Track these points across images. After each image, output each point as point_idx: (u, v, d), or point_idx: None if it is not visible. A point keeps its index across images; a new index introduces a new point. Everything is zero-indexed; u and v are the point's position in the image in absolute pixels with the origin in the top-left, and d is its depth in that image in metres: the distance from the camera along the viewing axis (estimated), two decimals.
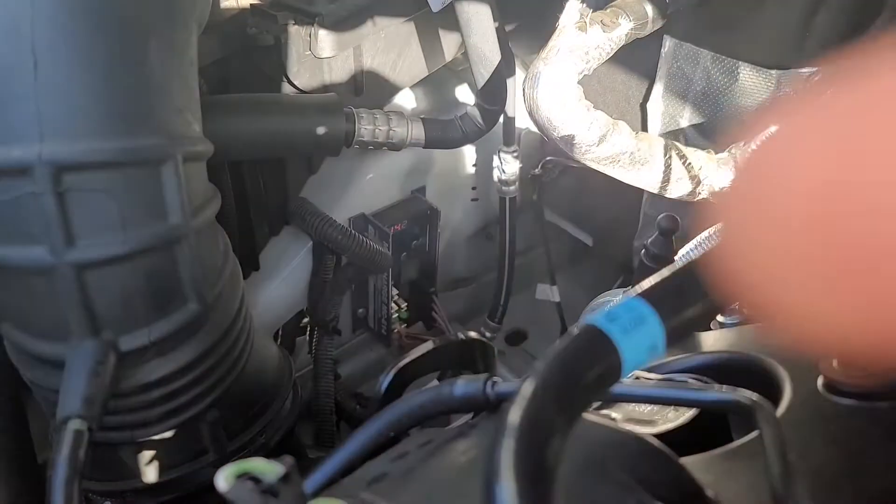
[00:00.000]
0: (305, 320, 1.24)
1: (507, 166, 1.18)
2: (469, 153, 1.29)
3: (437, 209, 1.21)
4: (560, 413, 0.35)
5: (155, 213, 0.62)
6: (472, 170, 1.31)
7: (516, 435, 0.33)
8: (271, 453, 0.81)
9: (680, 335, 0.40)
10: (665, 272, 0.41)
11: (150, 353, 0.66)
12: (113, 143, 0.59)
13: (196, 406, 0.71)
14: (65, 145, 0.57)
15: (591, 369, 0.37)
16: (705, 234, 0.94)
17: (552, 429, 0.34)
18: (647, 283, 0.40)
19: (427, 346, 0.66)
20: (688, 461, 0.48)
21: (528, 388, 0.35)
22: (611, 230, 1.30)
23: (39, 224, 0.58)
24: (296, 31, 0.92)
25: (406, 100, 1.18)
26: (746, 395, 0.44)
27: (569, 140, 0.85)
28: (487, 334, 1.32)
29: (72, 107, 0.58)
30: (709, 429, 0.58)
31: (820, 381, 0.53)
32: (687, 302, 0.40)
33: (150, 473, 0.74)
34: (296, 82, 0.95)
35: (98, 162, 0.58)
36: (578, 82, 0.86)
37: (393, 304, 1.25)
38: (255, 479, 0.37)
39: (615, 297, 0.96)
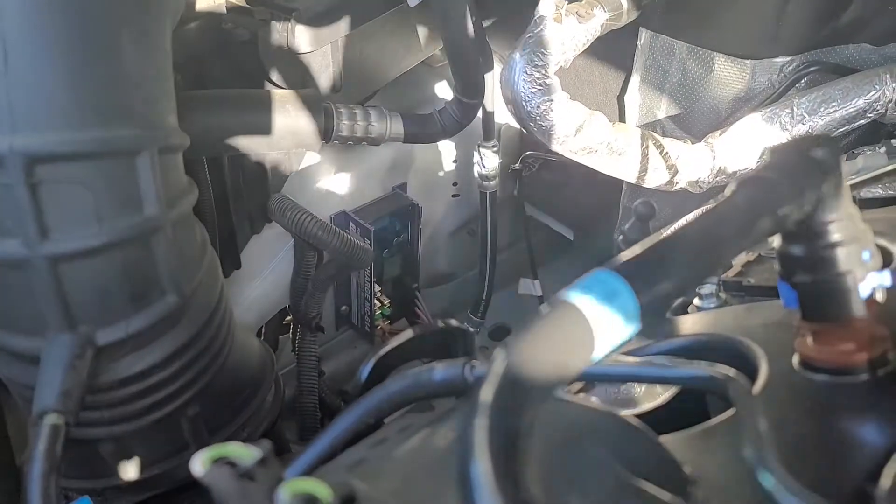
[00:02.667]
0: (288, 318, 1.23)
1: (487, 161, 1.18)
2: (449, 149, 1.30)
3: (419, 205, 1.21)
4: (533, 389, 0.35)
5: (130, 205, 0.62)
6: (452, 166, 1.31)
7: (488, 413, 0.33)
8: None
9: (654, 309, 0.40)
10: (636, 248, 0.42)
11: (128, 346, 0.65)
12: (85, 133, 0.58)
13: (176, 400, 0.71)
14: (36, 136, 0.57)
15: (562, 343, 0.37)
16: (683, 220, 0.95)
17: (525, 405, 0.34)
18: (620, 257, 0.41)
19: (407, 334, 0.66)
20: (666, 439, 0.48)
21: (499, 365, 0.35)
22: (591, 223, 1.31)
23: (12, 216, 0.58)
24: (273, 27, 0.91)
25: (385, 96, 1.18)
26: (721, 370, 0.45)
27: (546, 131, 0.85)
28: (471, 330, 1.32)
29: (43, 98, 0.57)
30: (687, 410, 0.58)
31: (795, 358, 0.53)
32: (661, 276, 0.40)
33: (131, 470, 0.73)
34: (273, 78, 0.95)
35: (70, 153, 0.58)
36: (555, 74, 0.86)
37: (376, 301, 1.25)
38: (232, 464, 0.37)
39: None
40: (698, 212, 0.45)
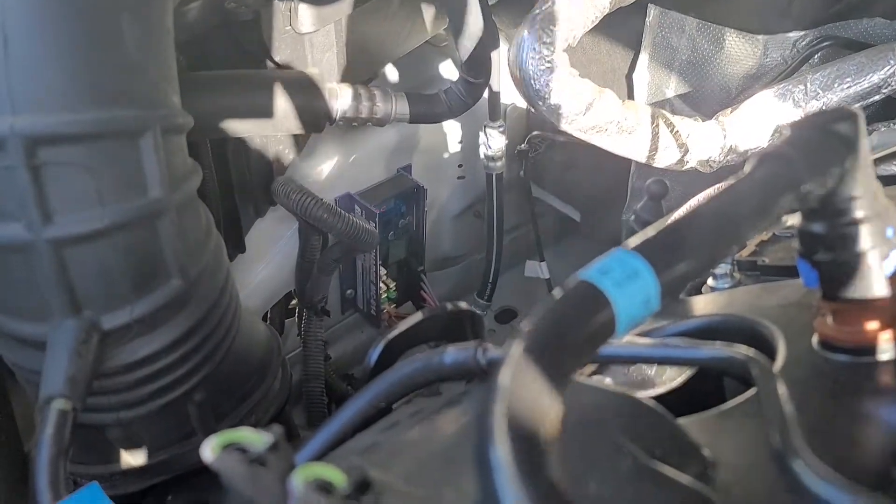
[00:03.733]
0: (294, 302, 1.22)
1: (493, 142, 1.17)
2: (454, 130, 1.28)
3: (424, 187, 1.20)
4: (553, 371, 0.34)
5: (134, 187, 0.60)
6: (457, 147, 1.30)
7: (508, 396, 0.32)
8: None
9: (675, 289, 0.39)
10: (657, 226, 0.41)
11: (134, 331, 0.64)
12: (87, 114, 0.57)
13: (182, 386, 0.70)
14: (38, 118, 0.55)
15: (584, 325, 0.36)
16: (694, 200, 0.93)
17: (545, 387, 0.34)
18: (639, 236, 0.40)
19: (416, 317, 0.65)
20: (683, 422, 0.47)
21: (518, 347, 0.34)
22: (599, 205, 1.30)
23: (14, 199, 0.57)
24: (276, 7, 0.90)
25: (389, 76, 1.16)
26: (742, 350, 0.44)
27: (555, 110, 0.84)
28: (479, 312, 1.32)
29: (44, 79, 0.56)
30: (703, 392, 0.57)
31: (814, 338, 0.52)
32: (681, 255, 0.39)
33: (138, 455, 0.72)
34: (276, 58, 0.94)
35: (73, 134, 0.57)
36: (564, 51, 0.85)
37: (381, 285, 1.24)
38: (243, 450, 0.36)
39: None
40: (717, 188, 0.44)
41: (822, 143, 0.46)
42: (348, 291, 1.26)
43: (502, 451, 0.31)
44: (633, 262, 0.38)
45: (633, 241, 0.39)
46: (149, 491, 0.77)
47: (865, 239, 0.48)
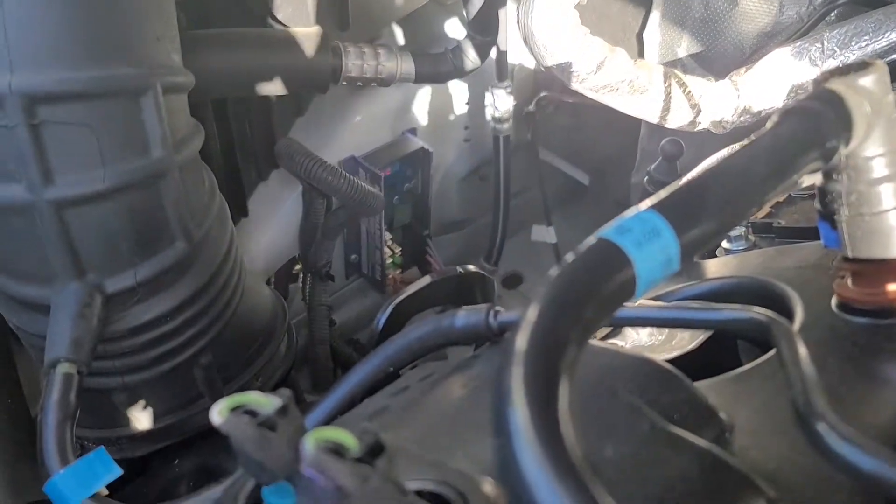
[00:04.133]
0: (298, 267, 1.21)
1: (501, 103, 1.15)
2: (461, 91, 1.26)
3: (430, 150, 1.18)
4: (570, 333, 0.33)
5: (136, 147, 0.59)
6: (464, 109, 1.28)
7: (525, 356, 0.31)
8: None
9: (695, 250, 0.38)
10: (677, 184, 0.39)
11: (138, 294, 0.63)
12: (87, 72, 0.55)
13: (188, 349, 0.69)
14: (36, 75, 0.54)
15: (603, 285, 0.34)
16: (709, 161, 0.92)
17: (563, 349, 0.32)
18: (660, 194, 0.38)
19: (424, 280, 0.64)
20: (699, 385, 0.47)
21: (534, 308, 0.33)
22: (608, 168, 1.28)
23: (15, 159, 0.56)
24: None
25: (394, 35, 1.14)
26: (762, 311, 0.43)
27: (565, 68, 0.82)
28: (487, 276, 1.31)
29: (42, 35, 0.54)
30: (719, 356, 0.56)
31: (833, 300, 0.51)
32: (702, 214, 0.38)
33: (145, 420, 0.72)
34: (279, 16, 0.91)
35: (72, 92, 0.55)
36: (574, 8, 0.82)
37: (386, 249, 1.23)
38: (252, 413, 0.36)
39: None
40: (739, 145, 0.42)
41: (848, 97, 0.44)
42: (353, 256, 1.25)
43: (519, 414, 0.30)
44: (653, 221, 0.36)
45: (653, 199, 0.38)
46: (156, 454, 0.77)
47: (888, 198, 0.47)
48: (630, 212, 0.37)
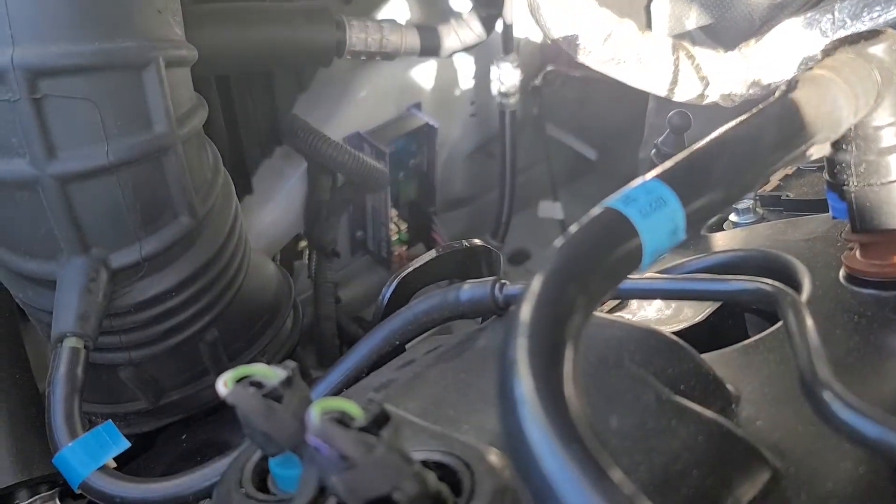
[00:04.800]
0: (303, 244, 1.21)
1: (507, 77, 1.14)
2: (466, 65, 1.25)
3: (435, 125, 1.17)
4: (577, 299, 0.33)
5: (139, 122, 0.59)
6: (469, 83, 1.27)
7: (530, 326, 0.31)
8: None
9: (701, 219, 0.38)
10: (683, 153, 0.39)
11: (143, 269, 0.63)
12: (89, 45, 0.55)
13: (194, 325, 0.70)
14: (39, 48, 0.53)
15: (608, 255, 0.34)
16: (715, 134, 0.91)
17: (568, 319, 0.32)
18: (665, 165, 0.38)
19: (430, 254, 0.64)
20: (706, 357, 0.46)
21: (539, 279, 0.33)
22: (615, 143, 1.27)
23: (18, 134, 0.55)
24: None
25: (398, 8, 1.13)
26: (769, 282, 0.42)
27: (572, 40, 0.81)
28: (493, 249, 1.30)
29: (43, 9, 0.54)
30: (725, 328, 0.56)
31: (841, 272, 0.51)
32: (709, 183, 0.37)
33: (151, 395, 0.72)
34: None
35: (74, 66, 0.55)
36: None
37: (392, 226, 1.23)
38: (258, 384, 0.36)
39: None
40: (747, 114, 0.42)
41: (858, 66, 0.44)
42: (358, 233, 1.25)
43: (525, 386, 0.30)
44: (659, 191, 0.36)
45: (659, 169, 0.38)
46: (163, 430, 0.77)
47: None
48: (636, 181, 0.37)
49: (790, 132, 0.40)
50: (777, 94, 0.42)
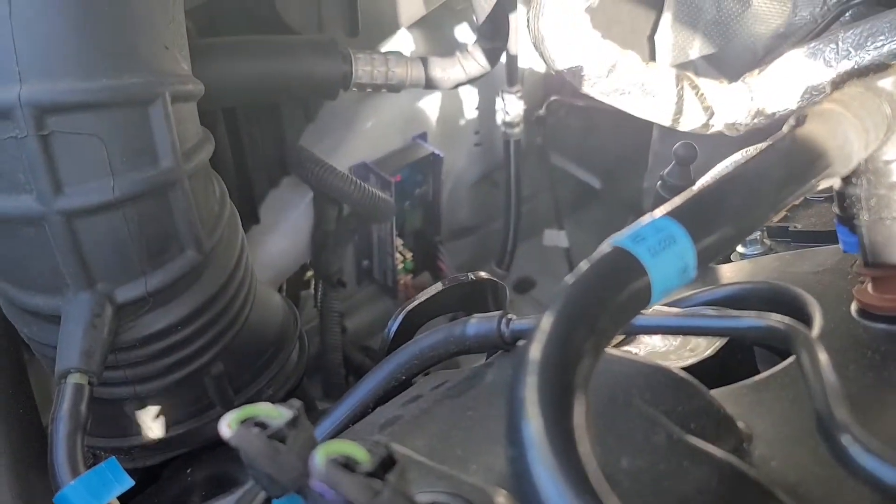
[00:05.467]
0: (309, 274, 1.21)
1: (511, 107, 1.14)
2: (471, 96, 1.25)
3: (440, 155, 1.17)
4: (585, 343, 0.32)
5: (145, 157, 0.59)
6: (474, 113, 1.27)
7: (539, 367, 0.31)
8: None
9: (711, 256, 0.37)
10: (693, 191, 0.39)
11: (149, 304, 0.63)
12: (96, 82, 0.55)
13: (199, 359, 0.69)
14: (46, 86, 0.54)
15: (617, 295, 0.34)
16: (722, 165, 0.91)
17: (577, 360, 0.32)
18: (675, 201, 0.38)
19: (436, 287, 0.63)
20: (717, 393, 0.46)
21: (548, 318, 0.32)
22: (619, 172, 1.27)
23: (25, 170, 0.55)
24: None
25: (404, 41, 1.14)
26: (780, 319, 0.42)
27: (576, 72, 0.81)
28: (501, 282, 1.30)
29: (51, 45, 0.54)
30: (735, 363, 0.55)
31: (853, 306, 0.50)
32: (719, 220, 0.37)
33: (156, 429, 0.72)
34: (289, 23, 0.91)
35: (82, 102, 0.55)
36: (585, 11, 0.82)
37: (398, 255, 1.23)
38: (262, 425, 0.35)
39: None
40: (754, 149, 0.42)
41: (868, 99, 0.44)
42: (364, 262, 1.25)
43: (533, 426, 0.29)
44: (669, 228, 0.36)
45: (668, 206, 0.37)
46: (167, 464, 0.77)
47: None
48: (645, 219, 0.37)
49: (800, 167, 0.40)
50: (786, 129, 0.42)
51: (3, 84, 0.53)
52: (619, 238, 0.35)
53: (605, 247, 0.35)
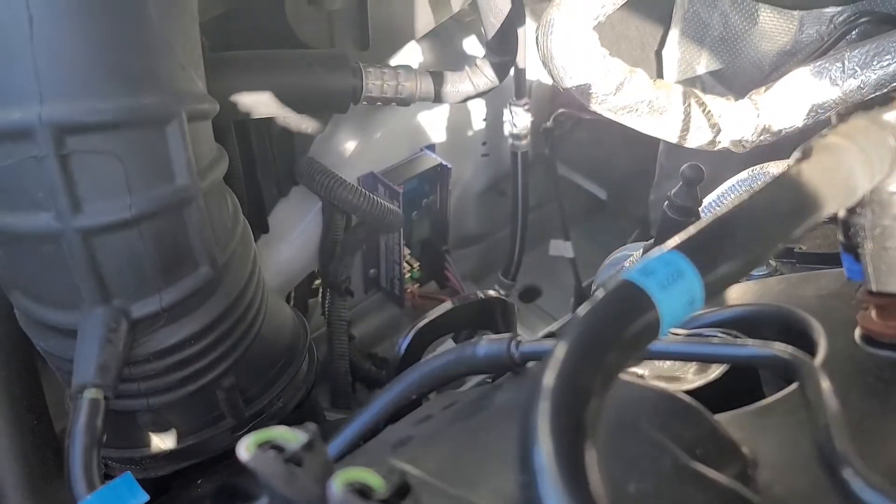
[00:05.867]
0: (317, 282, 1.22)
1: (519, 119, 1.15)
2: (479, 108, 1.26)
3: (448, 166, 1.18)
4: (597, 373, 0.33)
5: (161, 175, 0.60)
6: (482, 125, 1.28)
7: (552, 395, 0.32)
8: (289, 417, 0.80)
9: (718, 289, 0.38)
10: (700, 224, 0.39)
11: (163, 319, 0.64)
12: (115, 102, 0.56)
13: (211, 372, 0.70)
14: (66, 106, 0.55)
15: (628, 327, 0.35)
16: (728, 184, 0.91)
17: (589, 389, 0.33)
18: (682, 235, 0.38)
19: (445, 306, 0.64)
20: (721, 418, 0.47)
21: (562, 347, 0.34)
22: (625, 184, 1.28)
23: (44, 189, 0.56)
24: None
25: (413, 54, 1.15)
26: (784, 348, 0.43)
27: (584, 89, 0.82)
28: (501, 292, 1.31)
29: (71, 65, 0.55)
30: (739, 387, 0.56)
31: (857, 332, 0.51)
32: (726, 254, 0.38)
33: (168, 440, 0.73)
34: (300, 37, 0.92)
35: (101, 122, 0.56)
36: (593, 29, 0.82)
37: (405, 264, 1.24)
38: (278, 448, 0.36)
39: (632, 252, 0.94)
40: (765, 183, 0.42)
41: (872, 132, 0.44)
42: (371, 271, 1.26)
43: (545, 453, 0.30)
44: (677, 262, 0.37)
45: (677, 239, 0.38)
46: (178, 474, 0.78)
47: None
48: (654, 252, 0.38)
49: (806, 201, 0.41)
50: (791, 163, 0.43)
51: (24, 104, 0.54)
52: (630, 272, 0.36)
53: (617, 280, 0.36)
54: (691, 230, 0.38)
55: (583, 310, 0.35)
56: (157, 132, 0.59)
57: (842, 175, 0.42)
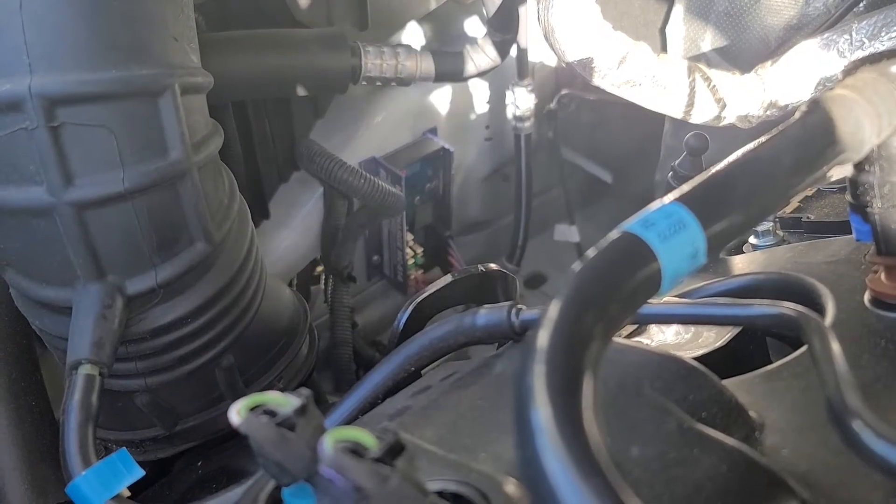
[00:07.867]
0: (319, 268, 1.21)
1: (522, 101, 1.14)
2: (481, 90, 1.25)
3: (450, 150, 1.17)
4: (595, 326, 0.32)
5: (154, 148, 0.59)
6: (484, 107, 1.27)
7: (548, 353, 0.31)
8: None
9: (722, 242, 0.37)
10: (702, 176, 0.38)
11: (159, 296, 0.63)
12: (106, 73, 0.55)
13: (209, 351, 0.69)
14: (56, 77, 0.54)
15: (627, 280, 0.34)
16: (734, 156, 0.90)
17: (586, 343, 0.32)
18: (684, 187, 0.37)
19: (445, 279, 0.63)
20: (727, 383, 0.45)
21: (556, 304, 0.32)
22: (631, 166, 1.26)
23: (35, 162, 0.55)
24: None
25: (413, 33, 1.13)
26: (792, 307, 0.41)
27: (587, 64, 0.80)
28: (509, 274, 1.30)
29: (61, 37, 0.54)
30: (747, 353, 0.55)
31: (866, 295, 0.50)
32: (729, 206, 0.37)
33: (167, 422, 0.72)
34: (298, 17, 0.91)
35: (92, 94, 0.55)
36: (595, 2, 0.81)
37: (408, 250, 1.23)
38: (271, 413, 0.35)
39: None
40: (766, 136, 0.41)
41: (881, 85, 0.43)
42: (374, 257, 1.25)
43: (543, 414, 0.29)
44: (678, 213, 0.35)
45: (678, 192, 0.37)
46: (179, 456, 0.77)
47: None
48: (654, 205, 0.36)
49: (811, 153, 0.39)
50: (797, 115, 0.42)
51: (14, 76, 0.53)
52: (629, 224, 0.35)
53: (615, 232, 0.35)
54: (693, 182, 0.37)
55: (578, 264, 0.34)
56: (149, 104, 0.58)
57: (848, 128, 0.41)
